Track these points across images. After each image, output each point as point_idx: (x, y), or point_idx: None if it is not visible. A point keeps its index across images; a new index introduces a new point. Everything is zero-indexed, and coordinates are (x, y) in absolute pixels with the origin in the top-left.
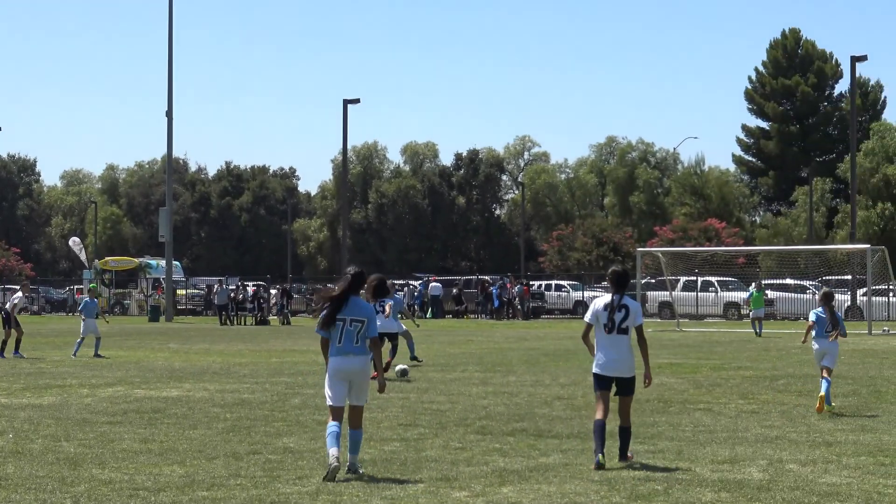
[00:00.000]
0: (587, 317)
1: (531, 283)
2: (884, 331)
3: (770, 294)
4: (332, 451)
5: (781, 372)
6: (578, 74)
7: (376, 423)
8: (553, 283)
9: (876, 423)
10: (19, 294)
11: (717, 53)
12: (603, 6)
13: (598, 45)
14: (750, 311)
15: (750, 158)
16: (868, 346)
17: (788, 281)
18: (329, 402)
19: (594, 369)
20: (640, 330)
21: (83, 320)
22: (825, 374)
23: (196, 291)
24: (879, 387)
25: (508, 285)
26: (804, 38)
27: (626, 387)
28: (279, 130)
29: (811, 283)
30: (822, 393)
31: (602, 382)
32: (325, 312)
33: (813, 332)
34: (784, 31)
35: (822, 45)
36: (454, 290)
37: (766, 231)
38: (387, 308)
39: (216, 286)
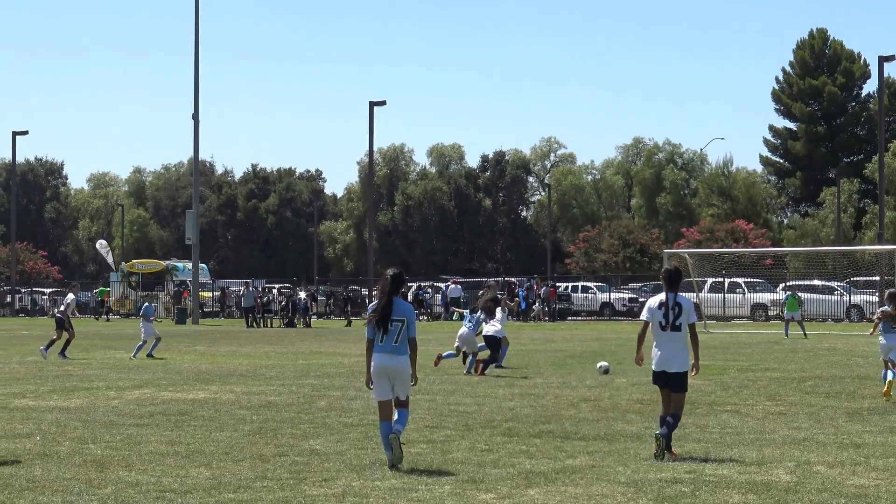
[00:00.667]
0: (644, 315)
1: (558, 284)
2: None
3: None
4: (389, 455)
5: (809, 374)
6: (604, 75)
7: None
8: (580, 284)
9: None
10: (71, 295)
11: (744, 54)
12: (629, 7)
13: (624, 46)
14: (784, 313)
15: (777, 159)
16: None
17: (816, 282)
18: (376, 399)
19: (653, 367)
20: (692, 327)
21: (143, 323)
22: (890, 367)
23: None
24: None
25: (535, 287)
26: (832, 38)
27: (678, 382)
28: (305, 133)
29: (839, 284)
30: (891, 378)
31: (660, 379)
32: (374, 315)
33: (880, 327)
34: (811, 31)
35: (850, 45)
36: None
37: (794, 232)
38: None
39: (242, 289)
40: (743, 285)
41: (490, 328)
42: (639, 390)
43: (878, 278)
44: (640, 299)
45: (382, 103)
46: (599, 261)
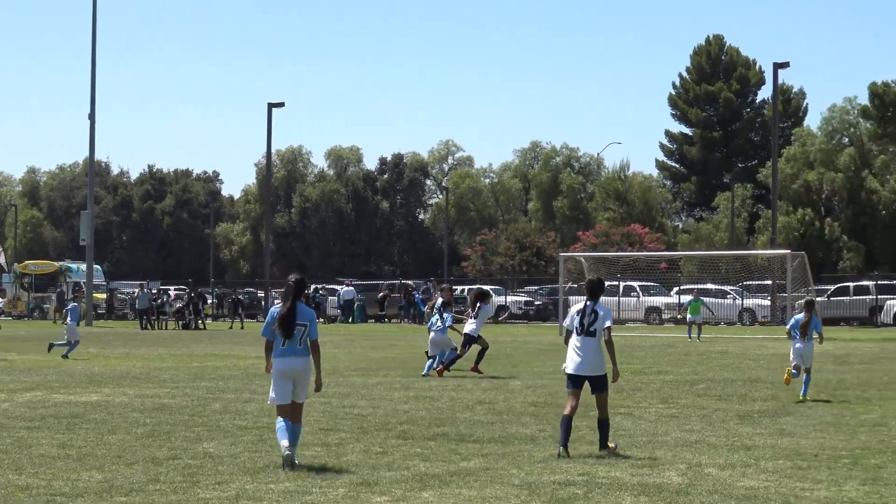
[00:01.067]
0: (565, 322)
1: (454, 287)
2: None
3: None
4: (284, 443)
5: (701, 377)
6: (503, 79)
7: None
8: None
9: (794, 427)
10: None
11: (641, 59)
12: (527, 11)
13: (522, 49)
14: (688, 316)
15: (673, 164)
16: (787, 350)
17: (710, 286)
18: (276, 402)
19: (567, 370)
20: (607, 332)
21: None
22: (802, 371)
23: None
24: (798, 391)
25: (433, 289)
26: (728, 44)
27: (597, 384)
28: (203, 134)
29: (732, 287)
30: (802, 396)
31: (576, 381)
32: (279, 321)
33: (794, 333)
34: (708, 37)
35: (746, 52)
36: (378, 295)
37: (688, 236)
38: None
39: (137, 290)
40: (637, 289)
41: (469, 326)
42: (533, 393)
43: (770, 282)
44: (536, 303)
45: (281, 105)
46: (496, 264)
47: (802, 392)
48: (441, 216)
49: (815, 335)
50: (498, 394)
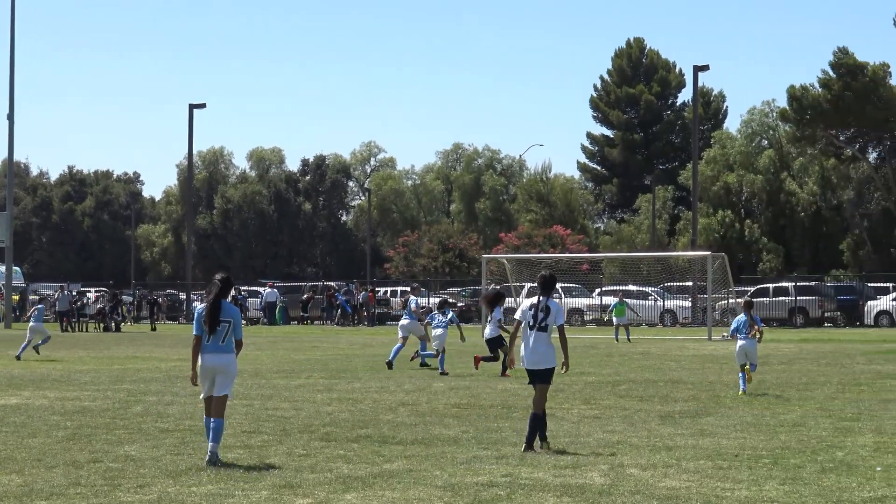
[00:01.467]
0: (517, 315)
1: (377, 289)
2: (723, 336)
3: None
4: (212, 446)
5: (623, 377)
6: (425, 80)
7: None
8: (399, 289)
9: (714, 428)
10: None
11: (562, 61)
12: (449, 12)
13: (444, 50)
14: (613, 318)
15: (594, 166)
16: (708, 351)
17: (631, 287)
18: (204, 396)
19: (523, 364)
20: (560, 329)
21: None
22: (745, 371)
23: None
24: (718, 392)
25: (355, 291)
26: (648, 47)
27: (542, 376)
28: (123, 135)
29: (653, 289)
30: (741, 390)
31: (531, 376)
32: (205, 318)
33: (737, 335)
34: (629, 39)
35: (666, 55)
36: (304, 295)
37: (610, 238)
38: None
39: (56, 293)
40: (559, 290)
41: (489, 329)
42: (456, 394)
43: (691, 284)
44: (459, 304)
45: (202, 106)
46: (419, 265)
47: (742, 386)
48: (363, 218)
49: (759, 331)
50: (421, 395)
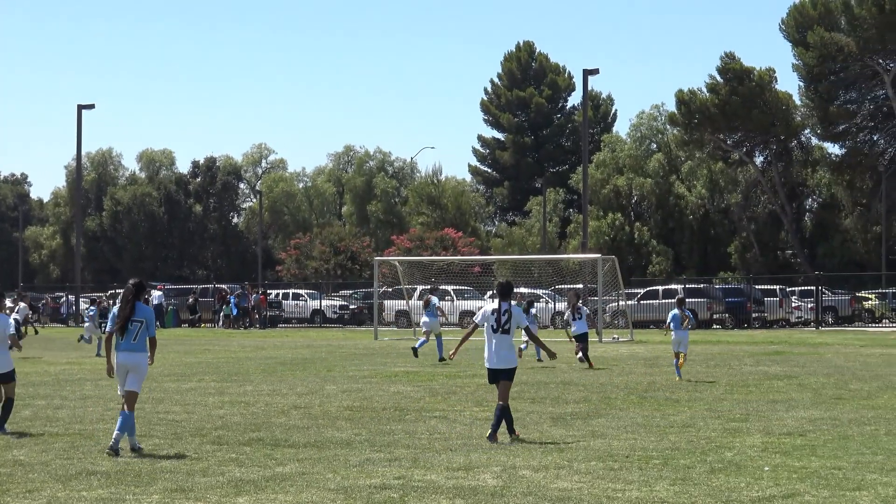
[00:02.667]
0: (477, 318)
1: (268, 291)
2: (613, 338)
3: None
4: (116, 434)
5: (515, 379)
6: (316, 82)
7: (110, 435)
8: (291, 291)
9: (605, 429)
10: None
11: (453, 64)
12: (339, 15)
13: (335, 52)
14: None
15: (486, 169)
16: (598, 353)
17: (523, 290)
18: (119, 392)
19: (486, 364)
20: (527, 330)
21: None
22: (679, 359)
23: None
24: (609, 393)
25: (248, 293)
26: (538, 51)
27: (507, 375)
28: (10, 135)
29: (544, 291)
30: (677, 377)
31: (493, 376)
32: (118, 318)
33: (671, 327)
34: (519, 43)
35: (556, 59)
36: (189, 299)
37: (501, 240)
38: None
39: None
40: (452, 293)
41: (576, 326)
42: (349, 397)
43: (581, 286)
44: (351, 306)
45: (91, 106)
46: (311, 268)
47: (678, 372)
48: (255, 220)
49: (691, 324)
50: (313, 398)
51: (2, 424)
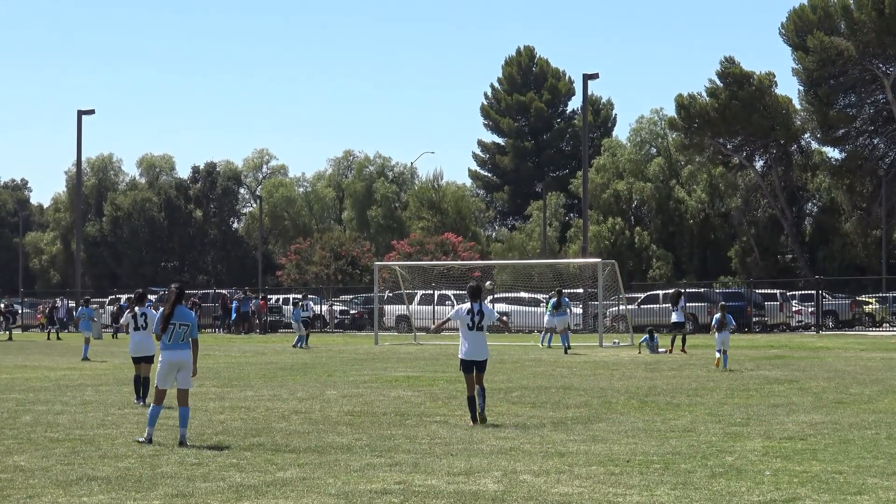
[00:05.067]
0: (451, 315)
1: (269, 296)
2: (614, 343)
3: (505, 307)
4: (149, 430)
5: (516, 384)
6: (317, 88)
7: (111, 440)
8: (291, 296)
9: (606, 434)
10: None
11: (454, 69)
12: (340, 20)
13: (336, 57)
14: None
15: (486, 173)
16: (599, 357)
17: (523, 294)
18: (158, 386)
19: (462, 356)
20: (500, 321)
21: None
22: (723, 352)
23: None
24: (610, 398)
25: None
26: (538, 55)
27: (482, 366)
28: (10, 141)
29: (545, 296)
30: (719, 357)
31: (468, 366)
32: (161, 319)
33: (716, 328)
34: (519, 48)
35: (556, 63)
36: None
37: (501, 245)
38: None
39: None
40: (452, 297)
41: (674, 315)
42: (349, 402)
43: (581, 290)
44: (352, 311)
45: (91, 112)
46: (311, 273)
47: (723, 365)
48: (255, 225)
49: (732, 327)
50: (314, 403)
51: None
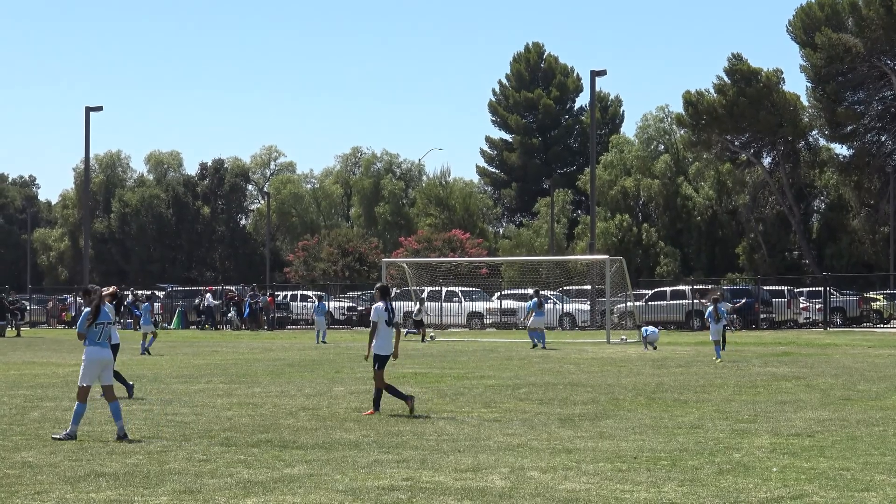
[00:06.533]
0: (373, 317)
1: (277, 293)
2: (621, 339)
3: (512, 304)
4: (73, 427)
5: (523, 381)
6: (323, 84)
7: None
8: (298, 293)
9: (613, 430)
10: None
11: (461, 66)
12: (347, 17)
13: (343, 54)
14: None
15: (493, 170)
16: (606, 354)
17: (530, 291)
18: (85, 384)
19: (379, 352)
20: (397, 325)
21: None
22: (717, 343)
23: None
24: (617, 395)
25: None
26: (547, 52)
27: (386, 360)
28: (18, 137)
29: (553, 293)
30: (717, 356)
31: (384, 361)
32: (89, 319)
33: (710, 319)
34: (527, 44)
35: (564, 60)
36: (197, 301)
37: (509, 242)
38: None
39: None
40: (459, 294)
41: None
42: (357, 399)
43: (589, 287)
44: (359, 308)
45: (99, 108)
46: (318, 269)
47: (717, 356)
48: (263, 222)
49: (726, 318)
50: (321, 400)
51: None
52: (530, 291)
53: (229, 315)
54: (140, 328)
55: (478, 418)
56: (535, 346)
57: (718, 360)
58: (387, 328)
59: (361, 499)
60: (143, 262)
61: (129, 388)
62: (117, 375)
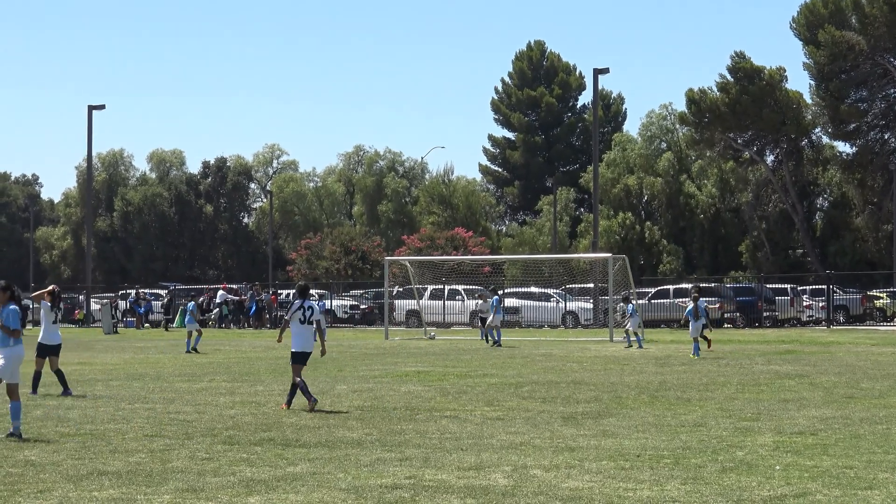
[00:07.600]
0: (288, 316)
1: (279, 291)
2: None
3: (515, 302)
4: (17, 424)
5: (526, 379)
6: (326, 83)
7: (121, 434)
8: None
9: (616, 429)
10: None
11: (464, 64)
12: (349, 15)
13: (346, 53)
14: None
15: (496, 168)
16: (610, 352)
17: (533, 289)
18: (13, 381)
19: (295, 349)
20: (319, 322)
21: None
22: (696, 340)
23: None
24: (620, 393)
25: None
26: (549, 50)
27: (307, 358)
28: (21, 136)
29: (555, 291)
30: (694, 353)
31: (299, 357)
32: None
33: (689, 316)
34: (529, 42)
35: (567, 58)
36: (201, 299)
37: (512, 240)
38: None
39: None
40: (462, 292)
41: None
42: (359, 397)
43: (592, 285)
44: (362, 306)
45: (101, 107)
46: (321, 268)
47: (694, 353)
48: (265, 220)
49: (706, 317)
50: (324, 398)
51: None
52: (534, 290)
53: (213, 313)
54: (185, 326)
55: (481, 416)
56: (495, 343)
57: (695, 356)
58: (301, 326)
59: (364, 497)
60: (145, 260)
61: (67, 391)
62: (59, 374)
